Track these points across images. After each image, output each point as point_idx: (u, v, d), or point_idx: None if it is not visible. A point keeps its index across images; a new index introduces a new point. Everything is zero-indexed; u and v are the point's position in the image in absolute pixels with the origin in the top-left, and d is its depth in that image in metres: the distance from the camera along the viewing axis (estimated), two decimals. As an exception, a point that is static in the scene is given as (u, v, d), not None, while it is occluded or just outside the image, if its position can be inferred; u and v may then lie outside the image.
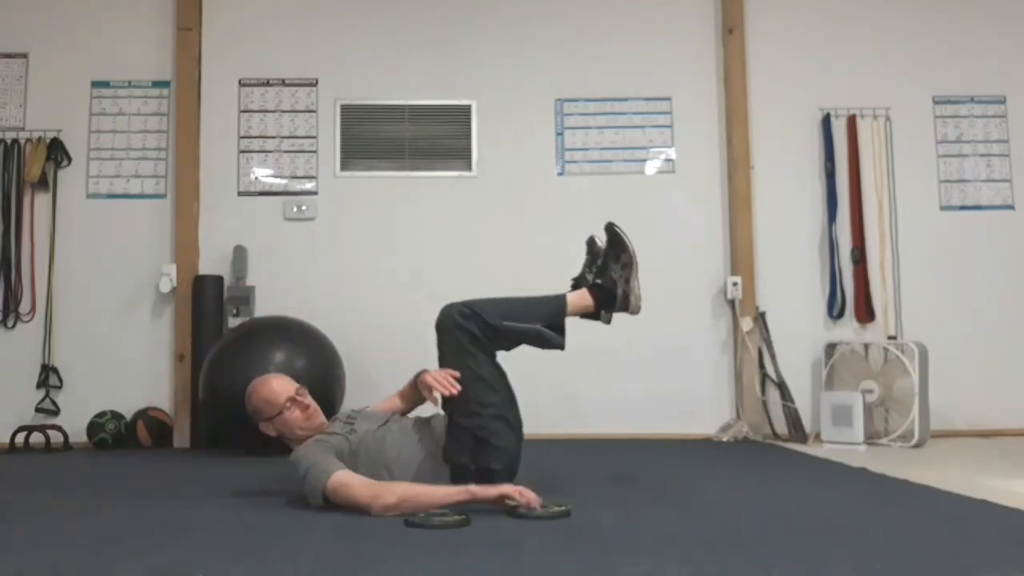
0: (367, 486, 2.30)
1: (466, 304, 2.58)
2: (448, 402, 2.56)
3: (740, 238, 4.87)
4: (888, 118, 5.03)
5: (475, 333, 2.54)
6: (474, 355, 2.55)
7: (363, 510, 2.25)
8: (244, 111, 4.99)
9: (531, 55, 5.05)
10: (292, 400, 2.54)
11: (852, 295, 4.91)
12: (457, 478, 2.49)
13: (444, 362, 2.60)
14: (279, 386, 2.57)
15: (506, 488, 2.25)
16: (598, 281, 2.75)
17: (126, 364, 4.78)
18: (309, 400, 2.59)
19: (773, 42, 5.05)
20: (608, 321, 2.79)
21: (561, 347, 2.67)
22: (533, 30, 5.07)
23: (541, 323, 2.62)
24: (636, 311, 2.72)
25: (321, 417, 2.60)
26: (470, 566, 1.71)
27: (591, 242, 2.90)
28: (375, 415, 2.69)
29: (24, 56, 4.96)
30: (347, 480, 2.30)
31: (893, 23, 5.08)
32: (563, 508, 2.24)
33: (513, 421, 2.60)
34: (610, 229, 2.78)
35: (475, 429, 2.50)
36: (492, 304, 2.60)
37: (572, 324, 2.75)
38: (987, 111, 5.04)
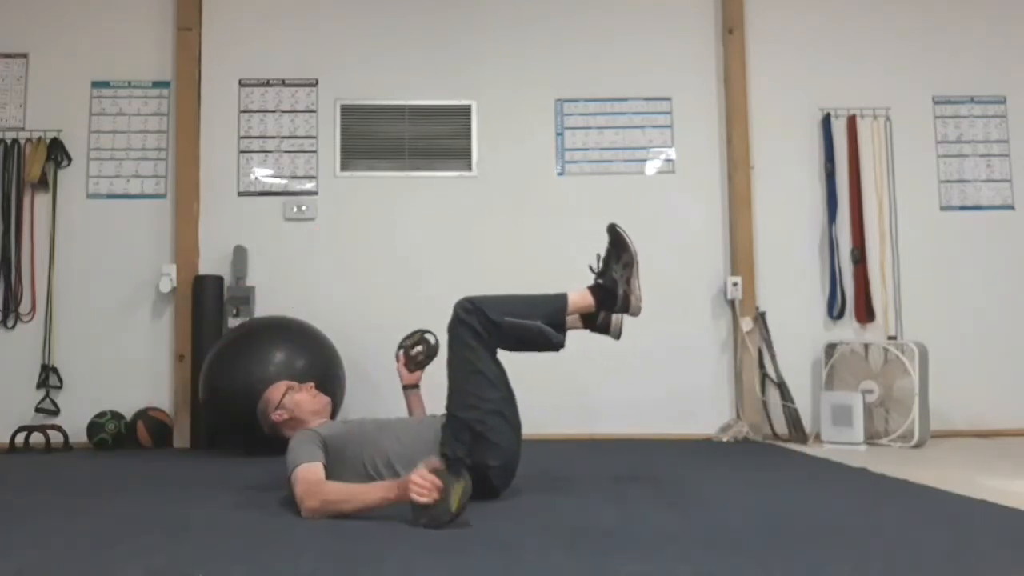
0: (305, 484, 2.26)
1: (469, 299, 2.61)
2: (448, 396, 2.60)
3: (740, 238, 4.87)
4: (888, 118, 5.03)
5: (476, 328, 2.56)
6: (475, 349, 2.56)
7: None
8: (244, 111, 4.99)
9: (531, 55, 5.05)
10: (294, 388, 2.73)
11: (852, 295, 4.91)
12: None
13: (449, 359, 2.62)
14: (281, 382, 2.82)
15: (412, 476, 2.12)
16: (599, 281, 2.76)
17: (126, 364, 4.78)
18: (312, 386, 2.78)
19: (773, 42, 5.05)
20: (618, 336, 2.80)
21: (562, 345, 2.68)
22: (533, 30, 5.06)
23: (542, 320, 2.64)
24: (636, 312, 2.73)
25: (327, 400, 2.74)
26: (470, 566, 1.71)
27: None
28: (377, 419, 2.76)
29: (24, 56, 4.96)
30: (302, 475, 2.28)
31: (893, 23, 5.08)
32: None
33: (512, 420, 2.60)
34: (612, 230, 2.79)
35: (473, 423, 2.51)
36: (495, 300, 2.62)
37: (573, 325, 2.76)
38: (987, 111, 5.04)
